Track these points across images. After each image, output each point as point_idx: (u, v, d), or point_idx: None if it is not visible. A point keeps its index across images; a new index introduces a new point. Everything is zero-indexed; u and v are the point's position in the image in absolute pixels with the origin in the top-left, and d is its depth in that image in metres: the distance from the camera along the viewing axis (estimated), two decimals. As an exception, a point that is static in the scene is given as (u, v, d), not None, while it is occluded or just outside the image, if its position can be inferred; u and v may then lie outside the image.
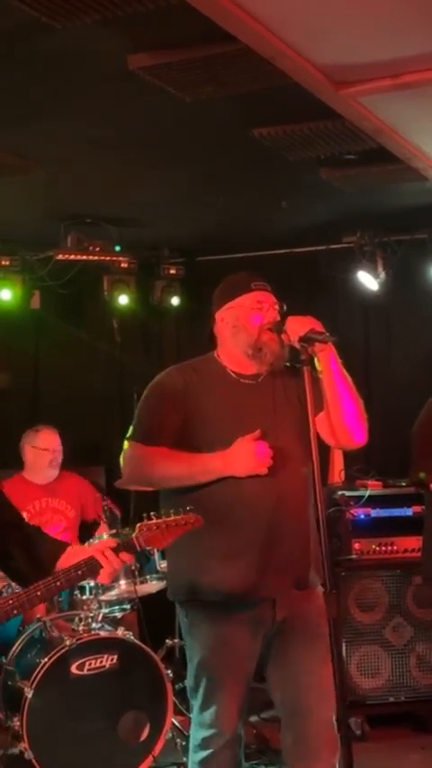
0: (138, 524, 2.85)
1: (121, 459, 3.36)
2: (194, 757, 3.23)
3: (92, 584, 4.58)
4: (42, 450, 5.36)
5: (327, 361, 3.17)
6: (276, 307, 3.29)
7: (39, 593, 2.70)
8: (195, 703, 3.24)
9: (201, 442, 3.20)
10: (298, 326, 3.12)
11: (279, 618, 3.20)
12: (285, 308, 3.29)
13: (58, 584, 2.74)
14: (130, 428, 3.33)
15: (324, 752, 3.14)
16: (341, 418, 3.22)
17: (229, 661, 3.17)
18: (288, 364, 3.30)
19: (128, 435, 3.33)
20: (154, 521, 2.85)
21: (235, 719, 3.19)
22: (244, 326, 3.26)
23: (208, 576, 3.17)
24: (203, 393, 3.26)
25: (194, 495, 3.15)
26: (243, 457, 3.13)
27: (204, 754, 3.19)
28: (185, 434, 3.23)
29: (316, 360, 3.15)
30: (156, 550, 4.48)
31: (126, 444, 3.33)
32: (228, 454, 3.14)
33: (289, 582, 3.20)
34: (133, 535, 2.83)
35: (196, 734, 3.25)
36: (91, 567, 2.75)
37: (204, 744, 3.20)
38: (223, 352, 3.35)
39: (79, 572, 2.75)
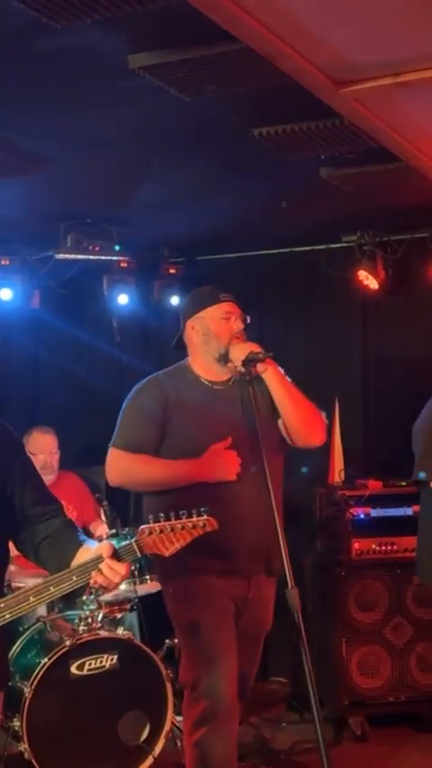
0: (140, 527, 2.58)
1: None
2: (191, 739, 3.37)
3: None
4: (32, 454, 5.31)
5: (269, 375, 3.58)
6: (241, 318, 3.64)
7: (52, 587, 2.53)
8: (189, 680, 3.42)
9: (179, 448, 3.52)
10: (239, 352, 3.53)
11: (250, 596, 3.52)
12: (249, 319, 3.67)
13: (74, 578, 2.54)
14: (114, 435, 3.63)
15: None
16: (292, 422, 3.61)
17: (218, 617, 3.42)
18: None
19: (111, 442, 3.63)
20: (158, 524, 2.56)
21: (232, 686, 3.36)
22: (214, 335, 3.61)
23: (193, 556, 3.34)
24: (180, 401, 3.58)
25: (172, 497, 3.39)
26: (213, 465, 3.46)
27: (201, 732, 3.32)
28: (165, 440, 3.56)
29: (263, 376, 3.54)
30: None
31: (109, 450, 3.62)
32: (199, 462, 3.47)
33: (259, 567, 3.52)
34: (133, 540, 2.57)
35: (191, 712, 3.39)
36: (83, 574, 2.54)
37: (200, 719, 3.33)
38: (194, 360, 3.69)
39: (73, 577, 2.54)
